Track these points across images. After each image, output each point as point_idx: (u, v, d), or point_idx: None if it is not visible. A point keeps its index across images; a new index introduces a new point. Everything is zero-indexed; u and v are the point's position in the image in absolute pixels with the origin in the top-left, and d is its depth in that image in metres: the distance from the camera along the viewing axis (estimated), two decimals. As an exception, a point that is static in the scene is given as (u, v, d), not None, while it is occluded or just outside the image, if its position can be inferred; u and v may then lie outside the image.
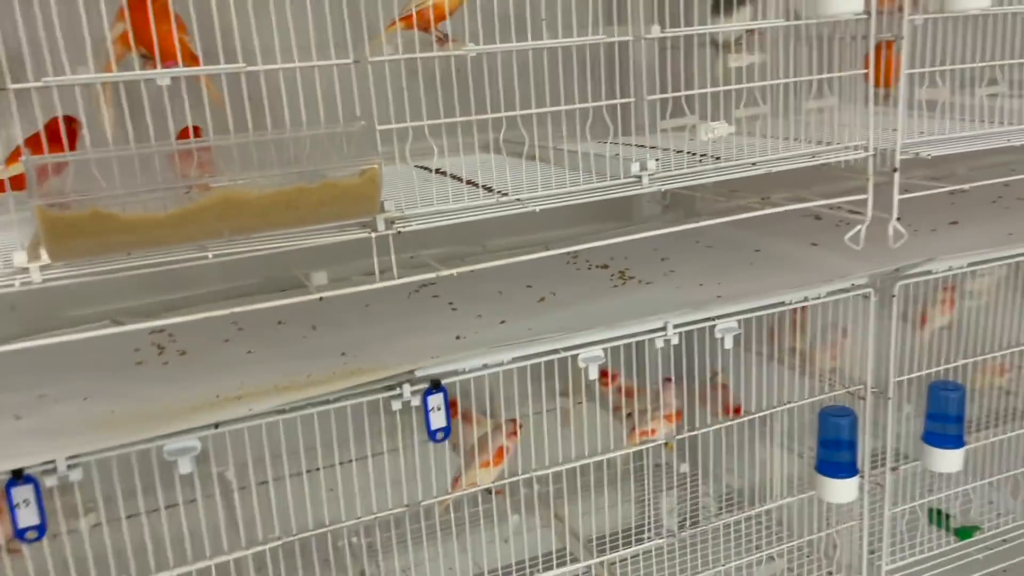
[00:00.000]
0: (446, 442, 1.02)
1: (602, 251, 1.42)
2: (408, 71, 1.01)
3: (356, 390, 0.95)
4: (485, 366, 1.01)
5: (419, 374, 0.97)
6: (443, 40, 0.97)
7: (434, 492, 1.11)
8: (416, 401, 0.96)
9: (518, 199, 0.99)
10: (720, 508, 1.44)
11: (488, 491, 1.30)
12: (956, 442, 1.26)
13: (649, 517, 1.30)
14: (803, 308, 1.31)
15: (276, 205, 0.79)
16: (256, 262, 0.85)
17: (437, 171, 1.17)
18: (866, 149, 1.16)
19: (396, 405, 0.96)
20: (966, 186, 1.25)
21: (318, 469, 1.02)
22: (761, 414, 1.25)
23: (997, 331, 1.51)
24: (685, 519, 1.39)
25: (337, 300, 1.02)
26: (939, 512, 1.43)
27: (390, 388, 0.97)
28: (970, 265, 1.28)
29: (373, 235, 0.90)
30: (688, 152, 1.16)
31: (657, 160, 1.06)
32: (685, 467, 1.32)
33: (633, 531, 1.42)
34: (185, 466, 0.88)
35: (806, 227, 1.46)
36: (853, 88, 1.20)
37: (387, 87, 0.93)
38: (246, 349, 1.10)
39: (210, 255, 0.82)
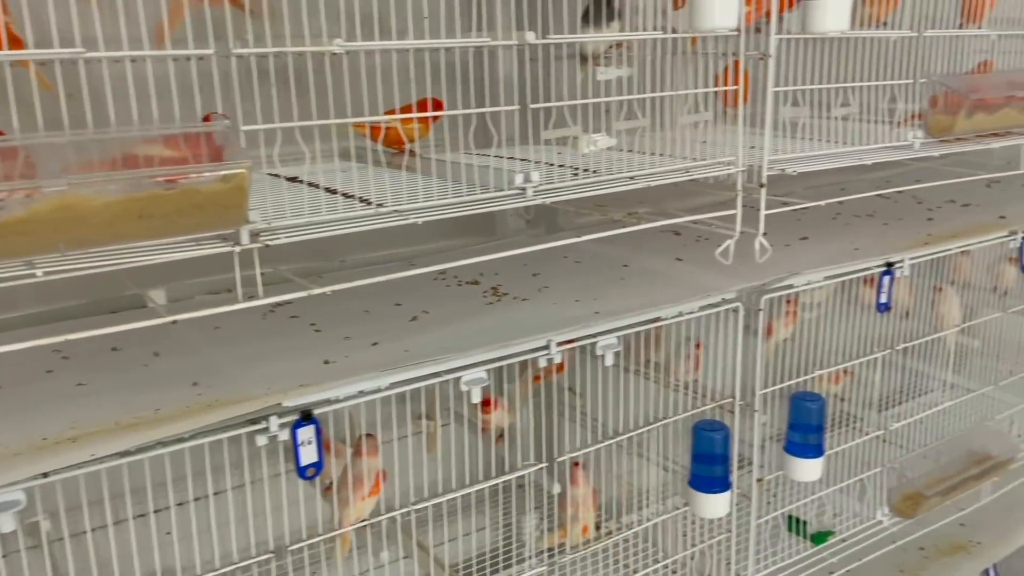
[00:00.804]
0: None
1: (472, 267, 1.36)
2: (260, 71, 0.92)
3: (215, 425, 0.83)
4: (361, 393, 0.92)
5: (287, 404, 0.87)
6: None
7: (302, 530, 1.00)
8: (284, 435, 0.86)
9: (397, 211, 0.92)
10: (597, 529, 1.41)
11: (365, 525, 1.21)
12: (816, 451, 1.30)
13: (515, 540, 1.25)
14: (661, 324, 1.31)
15: (125, 215, 0.67)
16: (81, 280, 0.73)
17: (292, 179, 1.08)
18: (736, 165, 1.17)
19: (261, 440, 0.86)
20: (838, 199, 1.29)
21: (167, 508, 0.89)
22: (637, 432, 1.24)
23: (832, 341, 1.58)
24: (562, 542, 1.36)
25: (181, 322, 0.90)
26: (796, 519, 1.47)
27: (254, 421, 0.86)
28: (827, 279, 1.32)
29: (236, 249, 0.80)
30: (562, 165, 1.13)
31: (540, 173, 1.02)
32: (557, 488, 1.28)
33: (500, 556, 1.37)
34: (7, 523, 0.74)
35: (669, 242, 1.47)
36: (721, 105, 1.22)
37: (234, 86, 0.83)
38: (75, 381, 0.95)
39: (39, 272, 0.69)
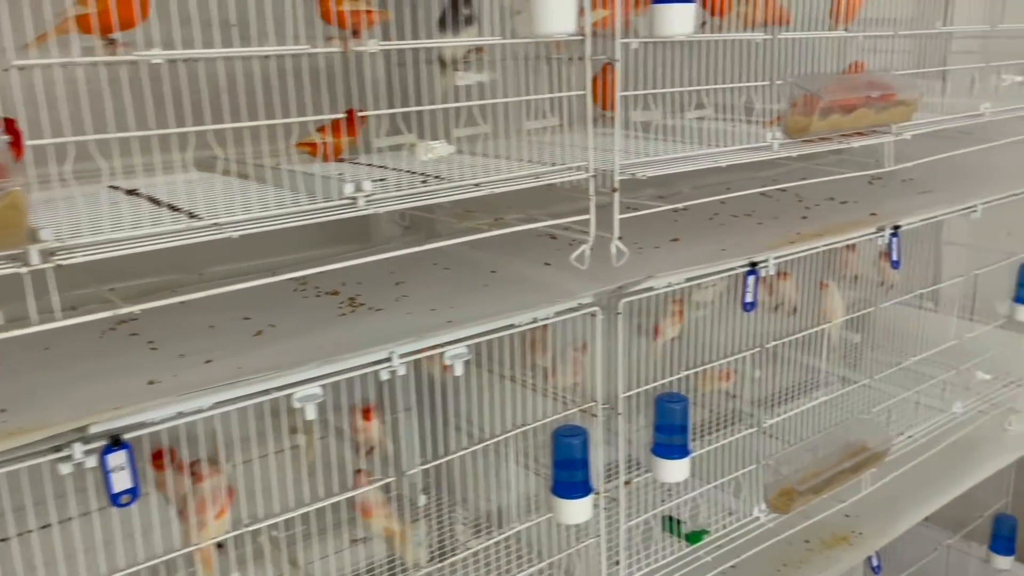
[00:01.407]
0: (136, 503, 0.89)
1: (335, 276, 1.34)
2: (89, 79, 0.88)
3: (12, 454, 0.79)
4: (180, 414, 0.89)
5: (95, 430, 0.83)
6: (113, 45, 0.84)
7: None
8: (91, 462, 0.82)
9: (216, 224, 0.89)
10: (470, 536, 1.40)
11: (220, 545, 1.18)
12: (682, 452, 1.30)
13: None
14: (544, 327, 1.30)
15: None
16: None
17: (131, 192, 1.04)
18: (587, 170, 1.17)
19: (65, 469, 0.82)
20: (680, 205, 1.30)
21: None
22: (496, 439, 1.23)
23: (720, 339, 1.60)
24: (441, 550, 1.34)
25: (6, 343, 0.86)
26: (671, 519, 1.47)
27: (58, 448, 0.82)
28: (687, 281, 1.33)
29: (26, 270, 0.76)
30: (412, 172, 1.11)
31: (375, 181, 1.00)
32: (423, 499, 1.26)
33: (374, 569, 1.35)
34: None
35: (542, 247, 1.46)
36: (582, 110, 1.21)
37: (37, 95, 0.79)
38: None
39: None
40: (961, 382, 2.01)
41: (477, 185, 1.08)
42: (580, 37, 1.12)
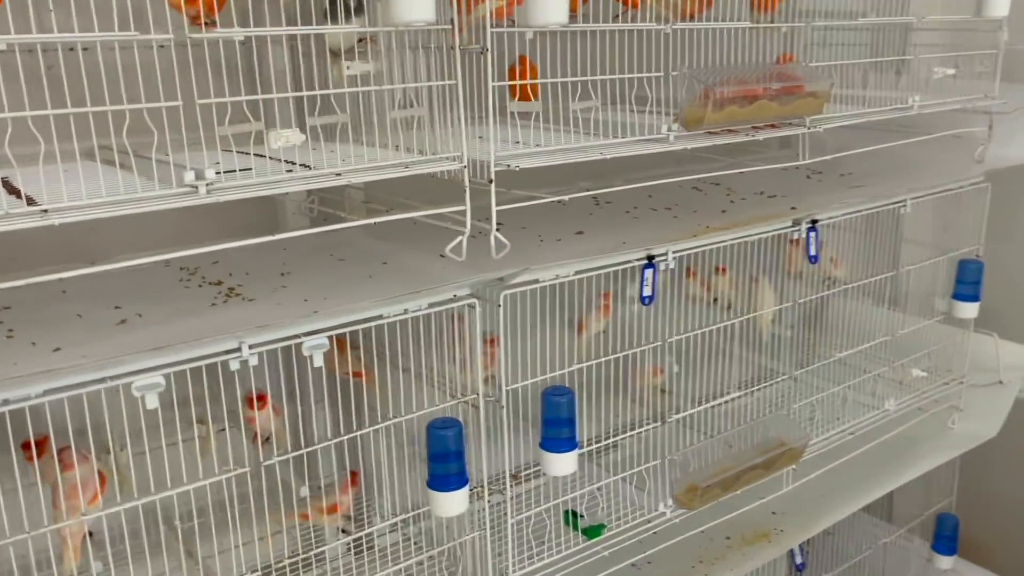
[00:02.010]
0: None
1: (225, 267, 1.34)
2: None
3: None
4: (6, 401, 0.89)
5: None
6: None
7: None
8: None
9: (45, 210, 0.89)
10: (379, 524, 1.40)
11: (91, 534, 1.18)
12: (569, 445, 1.29)
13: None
14: (460, 317, 1.30)
15: None
16: None
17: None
18: (461, 160, 1.16)
19: None
20: (565, 198, 1.29)
21: None
22: (374, 428, 1.22)
23: (656, 331, 1.58)
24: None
25: None
26: (574, 513, 1.47)
27: None
28: (576, 273, 1.32)
29: None
30: (277, 159, 1.11)
31: (242, 170, 1.00)
32: (305, 490, 1.26)
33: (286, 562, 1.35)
34: None
35: (441, 238, 1.45)
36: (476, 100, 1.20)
37: None
38: None
39: None
40: (896, 378, 1.98)
41: (338, 174, 1.07)
42: (447, 26, 1.11)
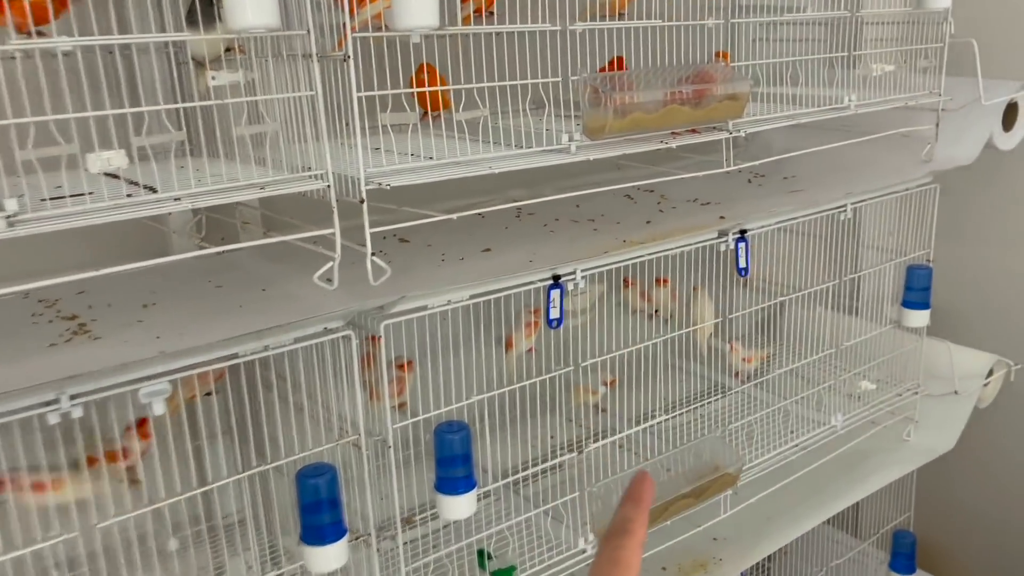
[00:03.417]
0: None
1: (88, 298, 1.22)
2: None
3: None
4: None
5: None
6: None
7: None
8: None
9: None
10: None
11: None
12: (466, 485, 1.19)
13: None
14: (373, 340, 1.19)
15: None
16: None
17: None
18: (324, 179, 1.05)
19: None
20: (454, 216, 1.18)
21: None
22: (235, 477, 1.11)
23: (589, 348, 1.48)
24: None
25: None
26: (486, 554, 1.36)
27: None
28: (472, 297, 1.21)
29: None
30: (133, 183, 1.00)
31: (23, 197, 0.88)
32: (174, 543, 1.15)
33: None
34: None
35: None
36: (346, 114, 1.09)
37: None
38: None
39: None
40: (845, 391, 1.88)
41: (177, 199, 0.96)
42: (300, 32, 1.01)
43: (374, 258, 1.09)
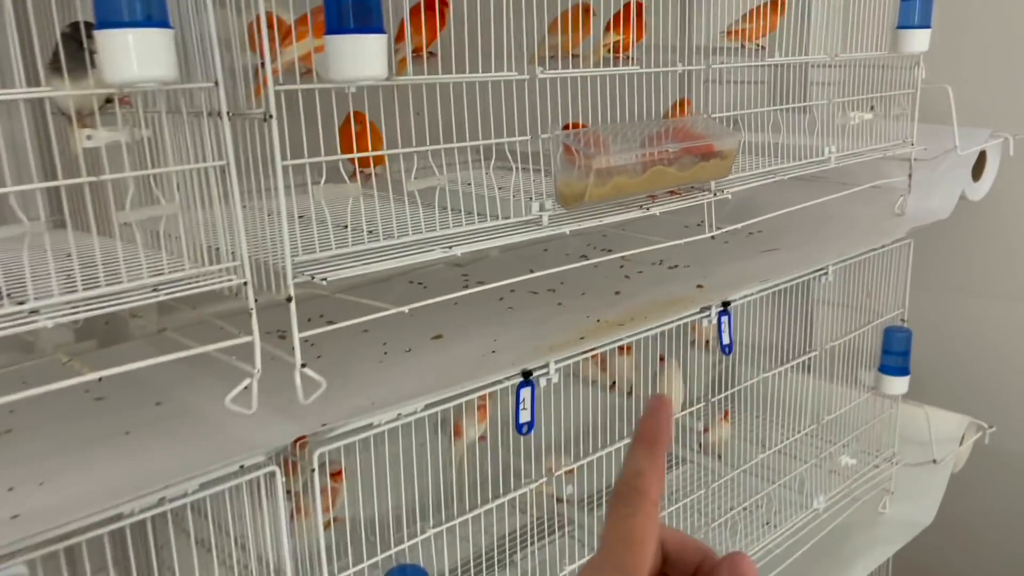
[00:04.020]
0: None
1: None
2: None
3: None
4: None
5: None
6: None
7: None
8: None
9: None
10: None
11: None
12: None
13: None
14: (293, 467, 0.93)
15: None
16: None
17: None
18: (240, 274, 0.80)
19: None
20: (406, 308, 0.94)
21: None
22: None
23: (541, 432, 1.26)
24: None
25: None
26: None
27: None
28: (427, 407, 0.98)
29: None
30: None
31: None
32: None
33: None
34: None
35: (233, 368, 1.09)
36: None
37: None
38: None
39: None
40: (826, 469, 1.71)
41: (35, 312, 0.70)
42: (208, 85, 0.76)
43: (306, 370, 0.85)
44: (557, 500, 1.51)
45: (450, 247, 0.92)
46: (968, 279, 2.04)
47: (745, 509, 1.54)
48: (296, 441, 0.89)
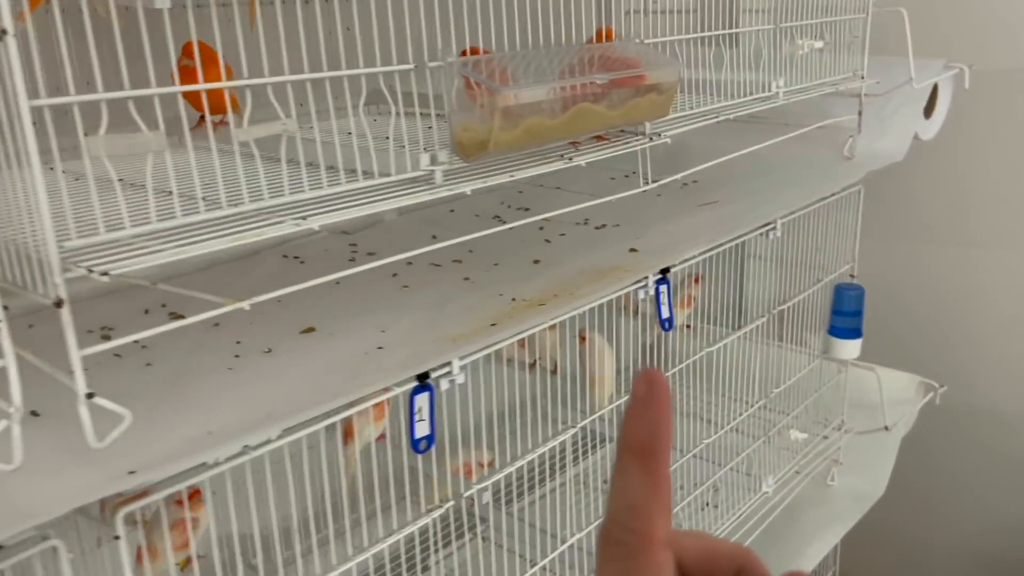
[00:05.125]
0: None
1: None
2: None
3: None
4: None
5: None
6: None
7: None
8: None
9: None
10: None
11: None
12: None
13: None
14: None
15: None
16: None
17: None
18: (-26, 270, 0.54)
19: None
20: (245, 304, 0.68)
21: None
22: None
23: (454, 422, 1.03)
24: None
25: None
26: None
27: None
28: (284, 433, 0.73)
29: None
30: None
31: None
32: None
33: None
34: None
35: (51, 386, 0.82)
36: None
37: None
38: None
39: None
40: (774, 446, 1.54)
41: None
42: None
43: (97, 401, 0.60)
44: (468, 500, 1.30)
45: (304, 217, 0.67)
46: (917, 226, 1.88)
47: (692, 497, 1.35)
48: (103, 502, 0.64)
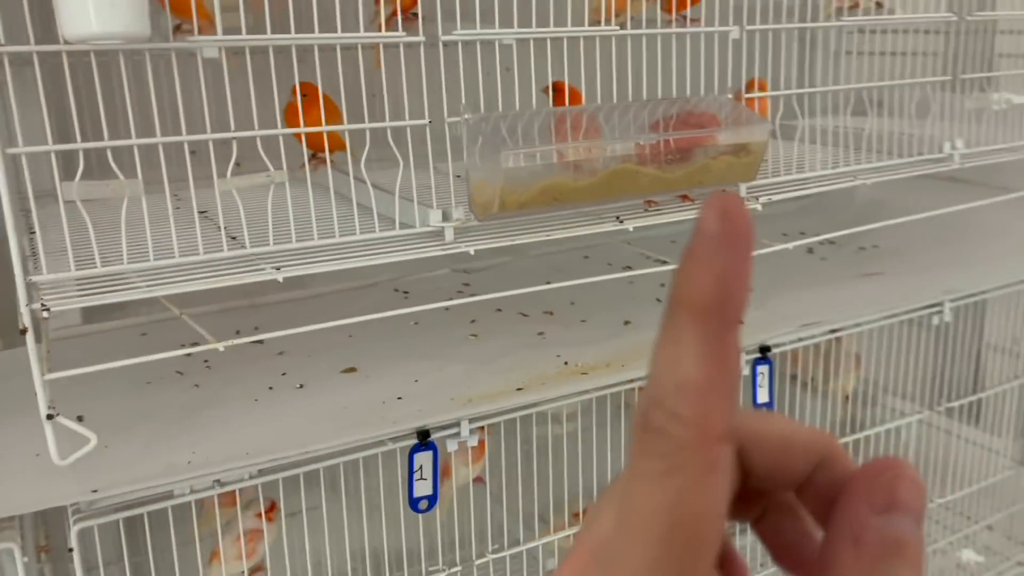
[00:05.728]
0: None
1: None
2: None
3: None
4: None
5: None
6: None
7: None
8: None
9: None
10: None
11: None
12: None
13: None
14: None
15: None
16: None
17: None
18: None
19: None
20: (220, 345, 0.71)
21: None
22: None
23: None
24: None
25: None
26: None
27: None
28: (256, 473, 0.75)
29: None
30: None
31: None
32: None
33: None
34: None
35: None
36: None
37: None
38: None
39: None
40: (938, 563, 1.30)
41: None
42: None
43: (62, 420, 0.65)
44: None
45: (278, 268, 0.68)
46: None
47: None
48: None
